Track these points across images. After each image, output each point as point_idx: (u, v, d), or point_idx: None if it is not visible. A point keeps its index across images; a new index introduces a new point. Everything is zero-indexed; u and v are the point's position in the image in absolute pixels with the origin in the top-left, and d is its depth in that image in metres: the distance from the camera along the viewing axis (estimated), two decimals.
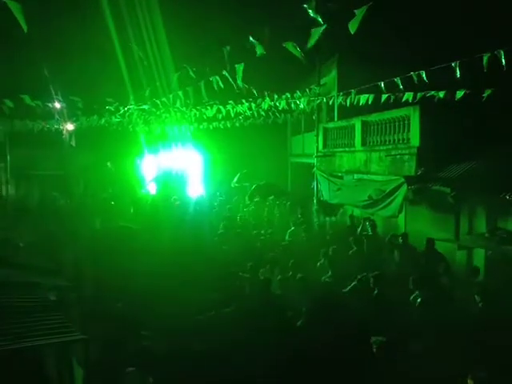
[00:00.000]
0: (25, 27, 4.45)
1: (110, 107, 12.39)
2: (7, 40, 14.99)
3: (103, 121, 14.58)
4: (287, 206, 14.92)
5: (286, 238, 11.47)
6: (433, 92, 9.04)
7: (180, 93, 9.51)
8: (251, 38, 5.68)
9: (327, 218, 13.94)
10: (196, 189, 16.50)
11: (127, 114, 13.34)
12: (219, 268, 8.30)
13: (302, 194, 17.44)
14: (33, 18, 4.99)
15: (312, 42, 4.68)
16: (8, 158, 24.11)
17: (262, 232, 12.04)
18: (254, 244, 11.02)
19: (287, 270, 8.32)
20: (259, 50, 5.45)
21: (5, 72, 15.90)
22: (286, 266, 8.54)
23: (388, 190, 10.39)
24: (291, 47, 5.18)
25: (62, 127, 17.65)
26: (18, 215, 14.58)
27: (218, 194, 18.32)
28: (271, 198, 16.07)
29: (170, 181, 17.18)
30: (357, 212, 13.11)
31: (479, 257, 8.99)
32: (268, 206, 15.48)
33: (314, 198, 15.05)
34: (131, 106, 12.66)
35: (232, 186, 18.98)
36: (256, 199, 16.41)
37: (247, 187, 17.89)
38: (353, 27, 4.33)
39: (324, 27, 4.51)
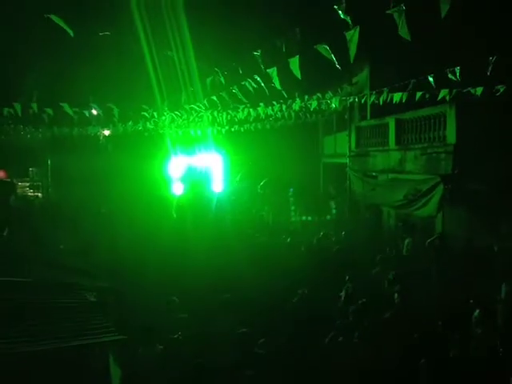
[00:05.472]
0: (71, 32, 5.00)
1: (145, 113, 12.68)
2: (48, 53, 15.70)
3: (139, 126, 14.96)
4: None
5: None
6: (469, 88, 8.75)
7: (214, 97, 9.64)
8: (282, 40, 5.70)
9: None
10: (219, 187, 17.44)
11: (161, 119, 13.62)
12: None
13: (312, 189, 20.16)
14: (71, 29, 5.24)
15: (353, 51, 4.54)
16: (49, 162, 25.17)
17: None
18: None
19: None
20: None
21: (46, 82, 16.61)
22: None
23: (424, 190, 10.16)
24: (324, 50, 5.10)
25: (99, 133, 18.24)
26: (59, 218, 15.14)
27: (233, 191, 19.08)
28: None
29: (197, 181, 17.70)
30: (392, 212, 12.89)
31: None
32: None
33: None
34: (166, 113, 12.93)
35: (258, 191, 19.87)
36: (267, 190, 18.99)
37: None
38: (403, 32, 4.28)
39: (357, 30, 4.42)
